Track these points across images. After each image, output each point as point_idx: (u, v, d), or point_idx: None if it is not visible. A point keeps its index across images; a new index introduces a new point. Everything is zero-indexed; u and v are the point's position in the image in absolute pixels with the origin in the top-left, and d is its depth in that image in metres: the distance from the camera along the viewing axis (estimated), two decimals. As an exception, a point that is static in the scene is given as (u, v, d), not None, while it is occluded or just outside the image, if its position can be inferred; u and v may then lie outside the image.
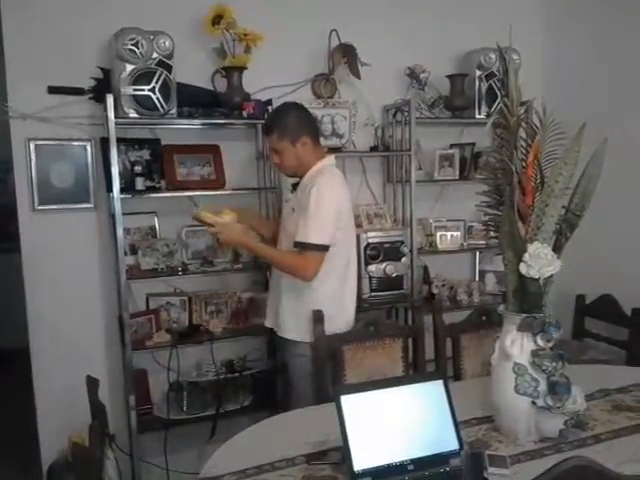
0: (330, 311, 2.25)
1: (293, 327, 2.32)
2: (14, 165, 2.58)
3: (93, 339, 2.75)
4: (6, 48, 2.53)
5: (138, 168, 2.64)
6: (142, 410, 2.68)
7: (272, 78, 2.85)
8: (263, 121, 2.55)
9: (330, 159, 2.38)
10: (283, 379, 2.60)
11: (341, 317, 2.33)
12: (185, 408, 2.70)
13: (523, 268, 1.58)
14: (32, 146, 2.58)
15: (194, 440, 2.76)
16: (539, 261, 1.56)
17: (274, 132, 2.29)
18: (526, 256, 1.58)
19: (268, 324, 2.47)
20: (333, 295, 2.30)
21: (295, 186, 2.38)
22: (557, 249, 1.63)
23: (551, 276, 1.61)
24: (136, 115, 2.47)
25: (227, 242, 2.33)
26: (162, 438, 2.66)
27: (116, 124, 2.42)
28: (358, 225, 2.86)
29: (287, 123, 2.28)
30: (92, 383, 1.71)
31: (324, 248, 2.21)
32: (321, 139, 2.85)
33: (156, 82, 2.45)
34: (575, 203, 1.66)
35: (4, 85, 2.53)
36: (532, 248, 1.57)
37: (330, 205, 2.22)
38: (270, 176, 2.89)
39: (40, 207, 2.61)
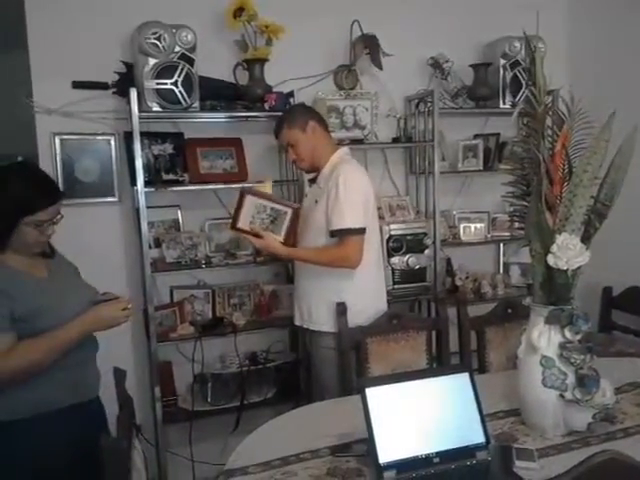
0: (360, 301, 2.26)
1: (324, 318, 2.31)
2: (39, 160, 2.60)
3: (119, 331, 2.73)
4: (30, 44, 2.55)
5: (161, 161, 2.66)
6: (167, 401, 2.71)
7: (294, 70, 2.85)
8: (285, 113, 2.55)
9: (345, 150, 2.40)
10: (307, 371, 2.61)
11: (372, 307, 2.33)
12: (209, 399, 2.72)
13: (551, 259, 1.56)
14: (57, 141, 2.61)
15: (218, 431, 2.78)
16: (567, 252, 1.53)
17: (283, 127, 2.35)
18: (554, 247, 1.55)
19: (297, 322, 2.45)
20: (363, 284, 2.30)
21: (312, 181, 2.39)
22: (585, 240, 1.60)
23: (579, 268, 1.58)
24: (159, 109, 2.48)
25: (267, 251, 2.41)
26: (187, 429, 2.68)
27: (140, 118, 2.44)
28: (380, 217, 2.85)
29: (293, 114, 2.37)
30: (119, 374, 1.73)
31: (362, 231, 2.23)
32: (343, 130, 2.88)
33: (179, 76, 2.47)
34: (604, 193, 1.63)
35: (29, 80, 2.56)
36: (560, 239, 1.55)
37: (359, 190, 2.26)
38: (292, 168, 2.89)
39: (65, 201, 2.57)
